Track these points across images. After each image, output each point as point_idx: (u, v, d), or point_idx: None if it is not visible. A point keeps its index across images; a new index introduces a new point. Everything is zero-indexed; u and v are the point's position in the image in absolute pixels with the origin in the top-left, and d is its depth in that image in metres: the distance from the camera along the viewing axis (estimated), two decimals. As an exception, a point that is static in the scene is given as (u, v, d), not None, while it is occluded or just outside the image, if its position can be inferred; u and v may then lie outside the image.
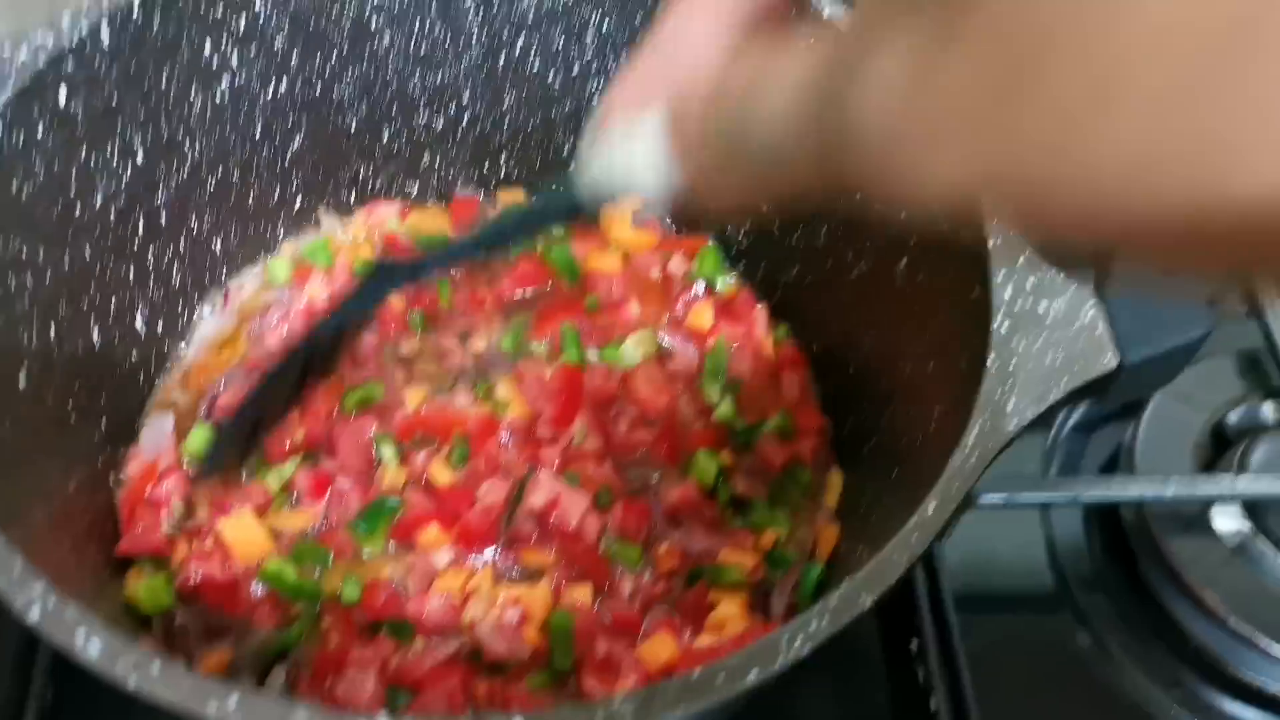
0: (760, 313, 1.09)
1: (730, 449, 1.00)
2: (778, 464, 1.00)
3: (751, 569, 0.93)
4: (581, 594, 0.91)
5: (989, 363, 0.73)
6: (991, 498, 0.96)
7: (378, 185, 1.13)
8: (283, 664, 0.86)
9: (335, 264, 1.08)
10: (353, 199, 1.13)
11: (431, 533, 0.92)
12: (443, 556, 0.92)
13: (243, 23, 0.94)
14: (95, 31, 0.84)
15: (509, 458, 0.97)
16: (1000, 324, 0.75)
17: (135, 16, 0.86)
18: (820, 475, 1.00)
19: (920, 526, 0.66)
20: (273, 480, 0.94)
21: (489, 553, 0.93)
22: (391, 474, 0.95)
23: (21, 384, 0.80)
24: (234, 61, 0.96)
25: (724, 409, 1.02)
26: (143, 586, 0.87)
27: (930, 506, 0.67)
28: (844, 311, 1.01)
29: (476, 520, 0.93)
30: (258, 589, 0.89)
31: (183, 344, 1.04)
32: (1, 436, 0.76)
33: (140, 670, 0.58)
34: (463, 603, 0.89)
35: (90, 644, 0.59)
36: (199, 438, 0.97)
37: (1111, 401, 1.03)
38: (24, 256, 0.82)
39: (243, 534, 0.89)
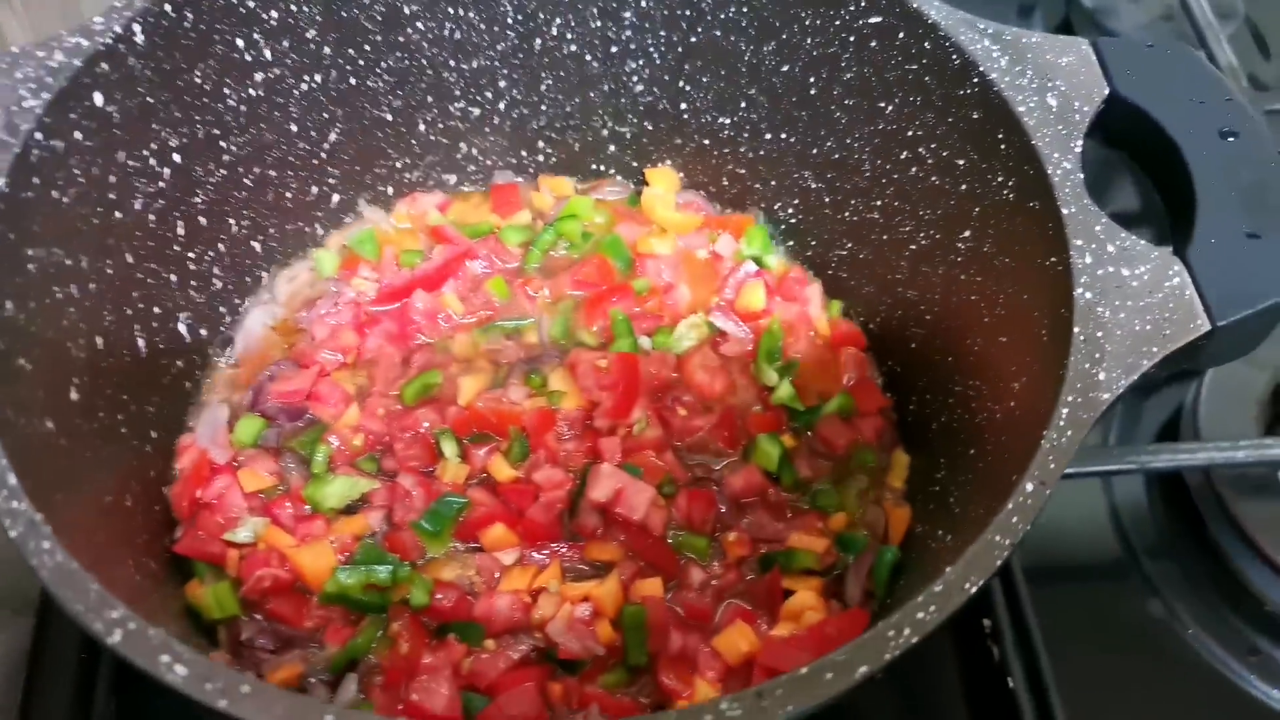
0: (814, 290, 1.06)
1: (791, 432, 0.98)
2: (840, 446, 0.97)
3: (823, 553, 0.91)
4: (652, 587, 0.88)
5: (1075, 334, 0.71)
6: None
7: (415, 176, 1.11)
8: (354, 672, 0.84)
9: (383, 255, 1.06)
10: (391, 191, 1.11)
11: (497, 531, 0.90)
12: (508, 555, 0.90)
13: (275, 15, 0.92)
14: (128, 31, 0.82)
15: (568, 451, 0.95)
16: (1082, 293, 0.72)
17: (167, 11, 0.84)
18: (885, 456, 0.98)
19: (1020, 509, 0.64)
20: (340, 490, 0.92)
21: (553, 549, 0.91)
22: (453, 470, 0.93)
23: (73, 396, 0.78)
24: (267, 55, 0.93)
25: (783, 391, 0.99)
26: (209, 593, 0.85)
27: (1028, 487, 0.65)
28: (902, 287, 0.98)
29: (540, 516, 0.91)
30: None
31: (228, 340, 1.02)
32: (59, 453, 0.73)
33: (230, 694, 0.56)
34: (532, 601, 0.88)
35: (175, 668, 0.57)
36: (248, 428, 0.95)
37: (1203, 367, 1.01)
38: (68, 266, 0.80)
39: (318, 561, 0.87)
